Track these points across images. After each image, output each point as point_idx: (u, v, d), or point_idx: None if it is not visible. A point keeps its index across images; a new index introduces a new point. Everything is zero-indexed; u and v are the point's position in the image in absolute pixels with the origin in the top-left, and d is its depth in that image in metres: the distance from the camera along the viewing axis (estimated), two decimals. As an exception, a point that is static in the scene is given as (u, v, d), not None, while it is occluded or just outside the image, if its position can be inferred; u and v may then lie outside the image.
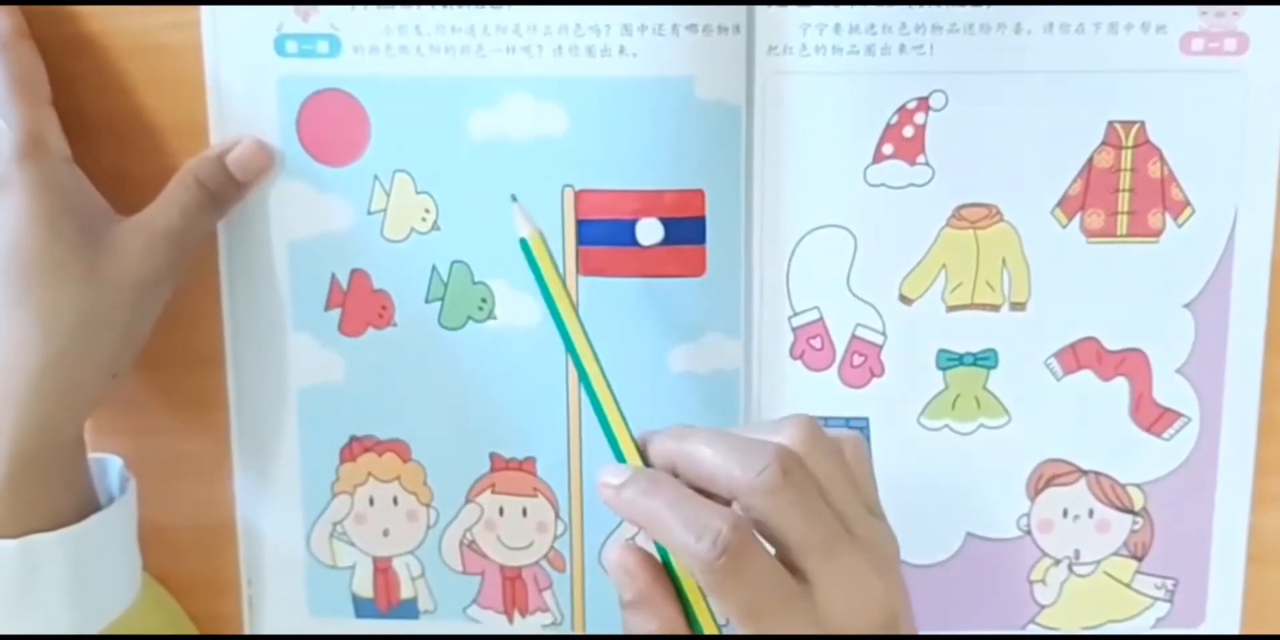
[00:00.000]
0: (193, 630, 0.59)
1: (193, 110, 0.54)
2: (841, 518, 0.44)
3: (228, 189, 0.53)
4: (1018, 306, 0.55)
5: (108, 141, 0.55)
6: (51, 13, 0.53)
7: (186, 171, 0.53)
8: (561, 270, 0.48)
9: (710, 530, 0.42)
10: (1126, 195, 0.54)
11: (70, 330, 0.49)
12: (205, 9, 0.53)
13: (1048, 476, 0.57)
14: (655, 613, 0.44)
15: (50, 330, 0.49)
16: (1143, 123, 0.54)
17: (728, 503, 0.44)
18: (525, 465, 0.57)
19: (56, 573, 0.50)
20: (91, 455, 0.54)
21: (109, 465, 0.55)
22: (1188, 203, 0.54)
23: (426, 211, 0.54)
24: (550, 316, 0.47)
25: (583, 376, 0.47)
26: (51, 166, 0.50)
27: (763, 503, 0.43)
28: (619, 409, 0.46)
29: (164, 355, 0.56)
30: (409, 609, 0.59)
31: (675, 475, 0.45)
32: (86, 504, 0.52)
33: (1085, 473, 0.57)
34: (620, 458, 0.46)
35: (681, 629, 0.44)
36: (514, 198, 0.49)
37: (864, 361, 0.56)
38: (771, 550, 0.43)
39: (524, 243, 0.47)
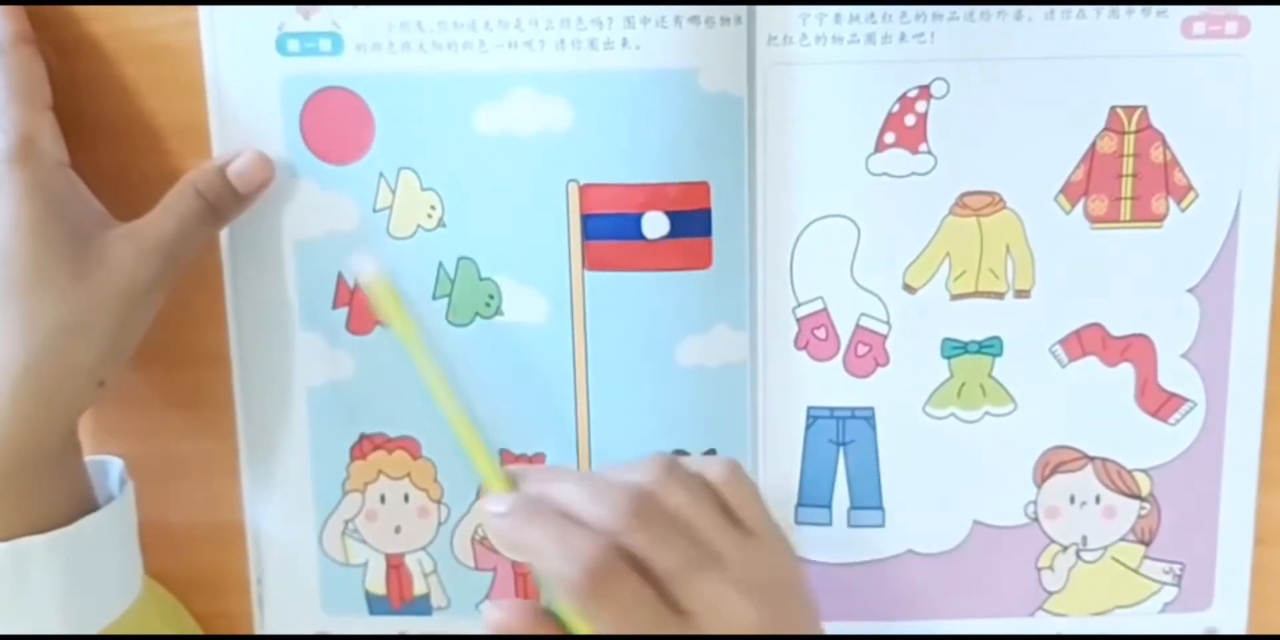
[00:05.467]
0: (196, 632, 0.59)
1: (194, 111, 0.54)
2: (708, 544, 0.46)
3: (227, 201, 0.53)
4: (1022, 294, 0.55)
5: (108, 143, 0.55)
6: (50, 14, 0.53)
7: (186, 182, 0.53)
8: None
9: (578, 554, 0.44)
10: (1130, 180, 0.54)
11: (52, 335, 0.49)
12: (204, 10, 0.53)
13: (1054, 463, 0.57)
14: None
15: (31, 335, 0.49)
16: (1145, 107, 0.54)
17: None
18: (535, 461, 0.57)
19: (47, 575, 0.49)
20: (92, 457, 0.54)
21: (110, 467, 0.55)
22: (1191, 187, 0.54)
23: (432, 208, 0.54)
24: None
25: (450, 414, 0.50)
26: (43, 171, 0.50)
27: (625, 541, 0.45)
28: (483, 445, 0.50)
29: (170, 355, 0.56)
30: (422, 605, 0.58)
31: None
32: (82, 507, 0.52)
33: (1092, 459, 0.57)
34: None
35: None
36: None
37: (869, 351, 0.56)
38: None
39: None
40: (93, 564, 0.51)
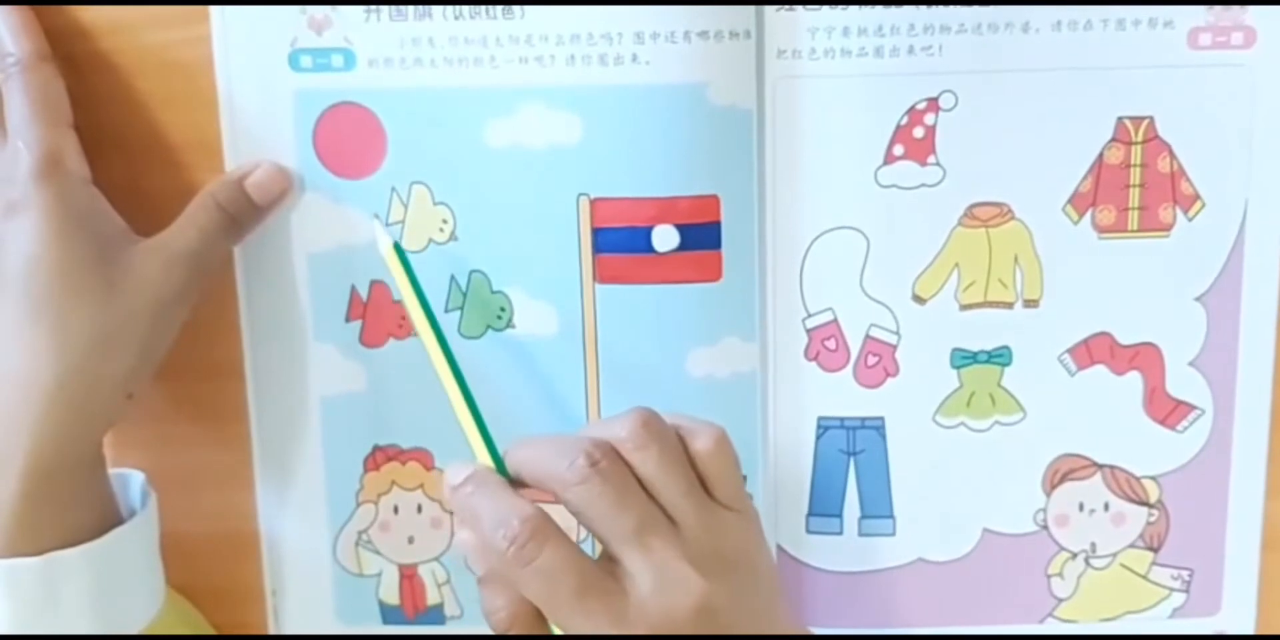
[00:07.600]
0: (218, 640, 0.60)
1: (207, 126, 0.54)
2: (669, 509, 0.46)
3: (246, 212, 0.54)
4: (1031, 303, 0.56)
5: (122, 159, 0.55)
6: (63, 30, 0.53)
7: (206, 195, 0.53)
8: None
9: (504, 524, 0.45)
10: (1137, 190, 0.55)
11: (84, 349, 0.49)
12: (216, 25, 0.53)
13: (1063, 471, 0.57)
14: (504, 588, 0.46)
15: (64, 348, 0.49)
16: (1152, 118, 0.54)
17: None
18: (546, 471, 0.57)
19: (78, 589, 0.50)
20: (113, 470, 0.54)
21: (130, 480, 0.55)
22: (1198, 196, 0.55)
23: (444, 222, 0.55)
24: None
25: (456, 384, 0.51)
26: (68, 187, 0.51)
27: (571, 496, 0.45)
28: (477, 417, 0.50)
29: (184, 367, 0.56)
30: (435, 615, 0.59)
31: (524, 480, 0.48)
32: (108, 519, 0.52)
33: (1101, 467, 0.57)
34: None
35: (527, 605, 0.46)
36: (377, 216, 0.54)
37: (878, 361, 0.56)
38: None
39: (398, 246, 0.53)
40: (121, 576, 0.52)
